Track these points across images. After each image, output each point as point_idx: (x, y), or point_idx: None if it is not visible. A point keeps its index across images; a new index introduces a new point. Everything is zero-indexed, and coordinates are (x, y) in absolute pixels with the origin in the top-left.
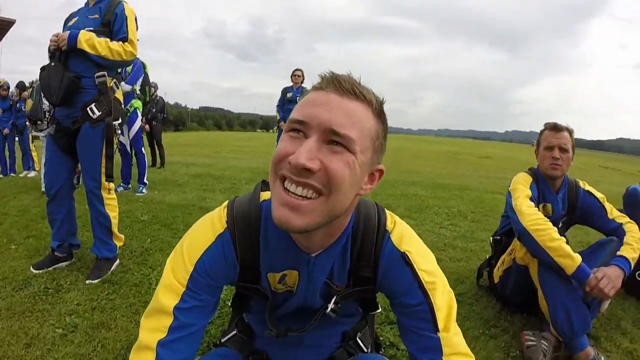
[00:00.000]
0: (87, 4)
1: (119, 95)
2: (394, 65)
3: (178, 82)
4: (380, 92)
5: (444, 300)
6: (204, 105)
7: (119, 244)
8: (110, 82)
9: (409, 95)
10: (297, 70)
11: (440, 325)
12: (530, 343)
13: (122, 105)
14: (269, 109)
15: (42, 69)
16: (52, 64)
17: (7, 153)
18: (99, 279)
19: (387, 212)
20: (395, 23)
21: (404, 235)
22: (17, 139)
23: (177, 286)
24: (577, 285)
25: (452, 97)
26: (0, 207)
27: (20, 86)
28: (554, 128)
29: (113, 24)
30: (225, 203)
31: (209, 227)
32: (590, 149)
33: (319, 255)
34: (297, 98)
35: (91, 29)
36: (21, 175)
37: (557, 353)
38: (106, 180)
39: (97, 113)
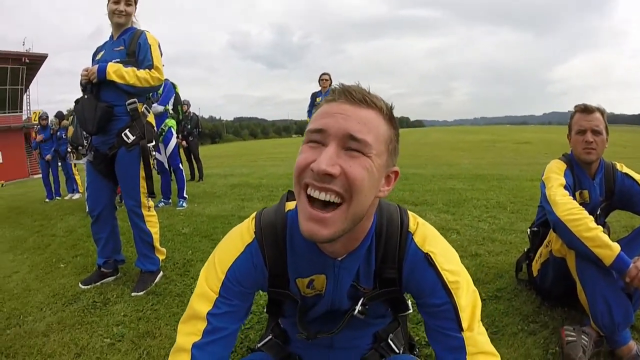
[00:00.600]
0: (111, 37)
1: (151, 119)
2: (422, 58)
3: (211, 97)
4: (412, 86)
5: (468, 300)
6: (238, 116)
7: (161, 257)
8: (141, 108)
9: (441, 86)
10: (324, 74)
11: (465, 324)
12: (570, 339)
13: (155, 128)
14: (302, 113)
15: (77, 101)
16: (85, 96)
17: (51, 179)
18: (144, 291)
19: (410, 213)
20: (416, 14)
21: (427, 236)
22: (60, 164)
23: (210, 294)
24: (617, 276)
25: (484, 84)
26: (48, 229)
27: (59, 116)
28: (585, 110)
29: (138, 54)
30: (253, 215)
31: (238, 238)
32: (633, 123)
33: (344, 259)
34: None
35: (118, 60)
36: (66, 198)
37: (599, 348)
38: (147, 197)
39: (132, 137)
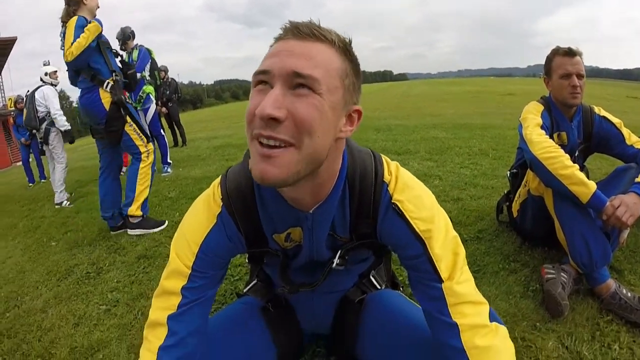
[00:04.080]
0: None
1: None
2: (405, 10)
3: (190, 61)
4: (395, 39)
5: (445, 247)
6: (219, 79)
7: None
8: None
9: (425, 38)
10: None
11: (444, 274)
12: (549, 276)
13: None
14: None
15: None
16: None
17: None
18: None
19: (385, 159)
20: None
21: (397, 185)
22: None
23: (183, 269)
24: (594, 215)
25: (468, 36)
26: (37, 212)
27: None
28: (569, 53)
29: None
30: (218, 180)
31: (206, 208)
32: (618, 78)
33: (315, 211)
34: None
35: None
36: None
37: (578, 286)
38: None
39: None
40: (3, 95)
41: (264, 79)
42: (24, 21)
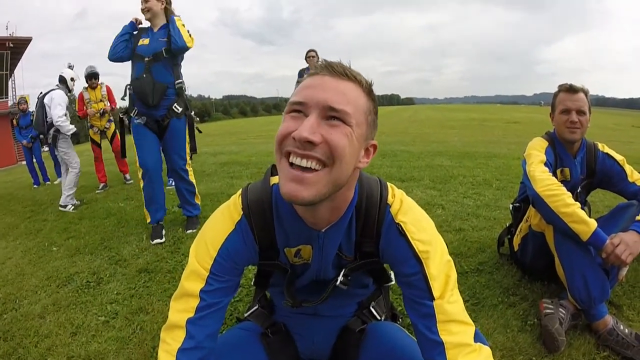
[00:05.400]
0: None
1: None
2: (413, 34)
3: (201, 74)
4: (403, 63)
5: (439, 268)
6: (227, 94)
7: (199, 202)
8: (184, 86)
9: (432, 63)
10: (310, 51)
11: (436, 293)
12: (547, 311)
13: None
14: (291, 90)
15: (137, 79)
16: (144, 75)
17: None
18: (197, 228)
19: (390, 185)
20: None
21: (401, 207)
22: (46, 149)
23: (201, 271)
24: (594, 252)
25: (476, 63)
26: (39, 214)
27: None
28: (570, 90)
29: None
30: (239, 192)
31: (227, 215)
32: (624, 107)
33: (328, 230)
34: None
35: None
36: (55, 182)
37: (575, 321)
38: (190, 157)
39: (180, 109)
40: (14, 93)
41: (299, 108)
42: (38, 21)
